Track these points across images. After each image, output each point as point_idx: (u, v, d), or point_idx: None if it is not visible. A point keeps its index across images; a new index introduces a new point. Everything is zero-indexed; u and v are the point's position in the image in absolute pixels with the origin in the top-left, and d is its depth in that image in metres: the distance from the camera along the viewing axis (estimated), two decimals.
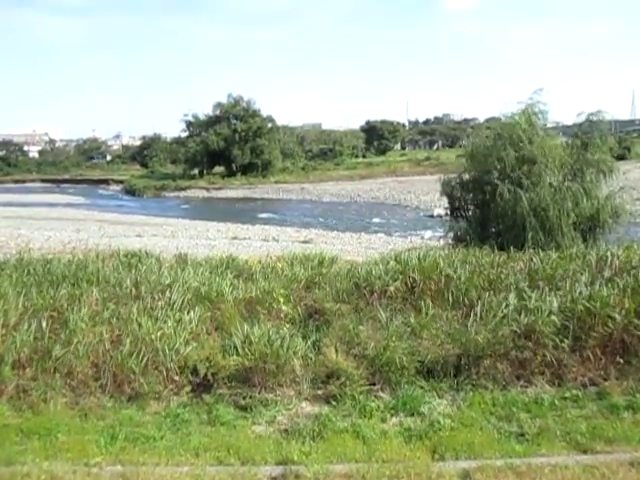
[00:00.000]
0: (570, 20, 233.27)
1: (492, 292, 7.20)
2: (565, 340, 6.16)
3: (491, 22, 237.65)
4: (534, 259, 8.48)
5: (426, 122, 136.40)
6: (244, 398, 5.77)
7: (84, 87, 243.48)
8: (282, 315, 7.10)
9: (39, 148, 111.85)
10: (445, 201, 14.32)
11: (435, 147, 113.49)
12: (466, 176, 13.61)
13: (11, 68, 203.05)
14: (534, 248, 9.93)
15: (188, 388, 5.92)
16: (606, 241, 11.89)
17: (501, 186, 12.05)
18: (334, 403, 5.73)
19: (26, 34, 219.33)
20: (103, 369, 5.84)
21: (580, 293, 6.80)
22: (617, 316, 6.28)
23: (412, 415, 5.55)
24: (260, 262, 9.66)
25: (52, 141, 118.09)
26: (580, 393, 5.82)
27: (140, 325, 6.28)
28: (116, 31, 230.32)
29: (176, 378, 5.94)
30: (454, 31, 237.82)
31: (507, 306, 6.66)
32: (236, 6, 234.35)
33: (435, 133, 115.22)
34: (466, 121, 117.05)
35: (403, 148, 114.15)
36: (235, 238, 28.11)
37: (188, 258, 10.23)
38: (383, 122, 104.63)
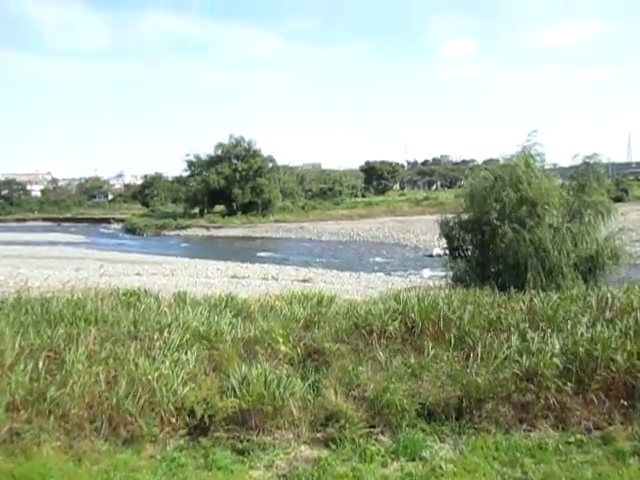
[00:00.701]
0: (565, 67, 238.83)
1: (493, 333, 7.14)
2: (568, 383, 6.08)
3: (486, 68, 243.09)
4: (535, 300, 8.44)
5: (425, 163, 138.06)
6: (241, 441, 5.64)
7: (88, 127, 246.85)
8: (281, 355, 7.01)
9: (41, 187, 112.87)
10: (444, 241, 14.35)
11: (434, 187, 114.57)
12: (465, 216, 13.67)
13: (16, 108, 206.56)
14: (535, 288, 9.90)
15: (185, 431, 5.80)
16: (606, 282, 11.87)
17: (503, 227, 12.10)
18: (333, 447, 5.60)
19: (31, 76, 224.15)
20: (98, 411, 5.73)
21: (582, 335, 6.74)
22: (619, 358, 6.21)
23: (413, 460, 5.42)
24: (259, 301, 9.60)
25: (54, 180, 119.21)
26: (584, 438, 5.71)
27: (137, 365, 6.19)
28: (119, 74, 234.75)
29: (173, 420, 5.82)
30: (451, 76, 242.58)
31: (508, 347, 6.60)
32: (236, 51, 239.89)
33: (434, 174, 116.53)
34: (464, 162, 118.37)
35: (402, 188, 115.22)
36: (234, 277, 28.05)
37: (187, 297, 10.17)
38: (382, 162, 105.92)
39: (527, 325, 7.31)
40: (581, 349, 6.41)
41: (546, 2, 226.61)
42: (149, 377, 5.99)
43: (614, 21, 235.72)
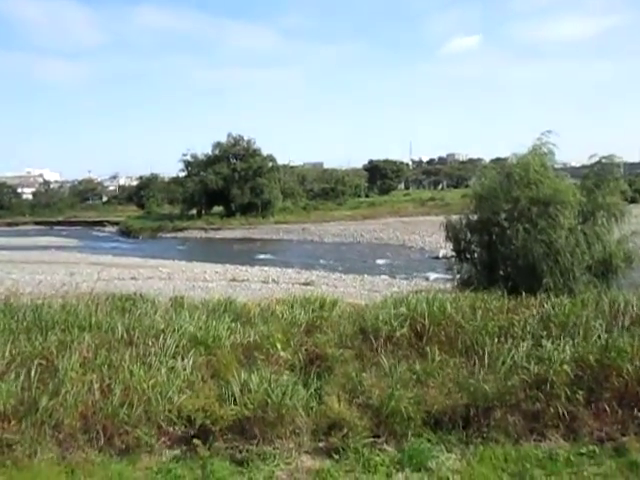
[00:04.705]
0: (574, 62, 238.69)
1: (502, 338, 7.13)
2: (579, 391, 6.06)
3: (492, 64, 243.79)
4: (545, 305, 8.42)
5: (430, 162, 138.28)
6: (241, 451, 5.64)
7: (81, 128, 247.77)
8: (282, 361, 7.01)
9: (33, 190, 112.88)
10: (451, 243, 14.33)
11: (440, 187, 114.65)
12: (472, 217, 13.66)
13: (5, 109, 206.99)
14: (546, 292, 9.89)
15: (182, 441, 5.79)
16: (619, 286, 11.85)
17: (513, 228, 12.08)
18: (336, 457, 5.60)
19: (22, 76, 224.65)
20: (92, 421, 5.73)
21: (594, 342, 6.73)
22: (633, 367, 6.19)
23: (419, 470, 5.41)
24: (259, 305, 9.59)
25: (46, 183, 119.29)
26: (597, 449, 5.69)
27: (132, 373, 6.19)
28: (114, 72, 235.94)
29: (169, 429, 5.82)
30: (455, 73, 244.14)
31: (517, 354, 6.59)
32: (235, 48, 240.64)
33: (439, 173, 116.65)
34: (471, 161, 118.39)
35: (407, 188, 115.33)
36: (233, 280, 28.06)
37: (184, 301, 10.17)
38: (386, 161, 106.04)
39: (537, 331, 7.30)
40: (594, 356, 6.39)
41: None
42: (144, 385, 5.99)
43: (626, 14, 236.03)
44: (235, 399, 5.95)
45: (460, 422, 6.01)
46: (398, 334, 7.36)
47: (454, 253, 14.30)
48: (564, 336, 7.01)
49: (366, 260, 39.39)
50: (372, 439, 5.78)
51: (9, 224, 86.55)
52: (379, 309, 8.36)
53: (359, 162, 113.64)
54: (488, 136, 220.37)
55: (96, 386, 5.98)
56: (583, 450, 5.68)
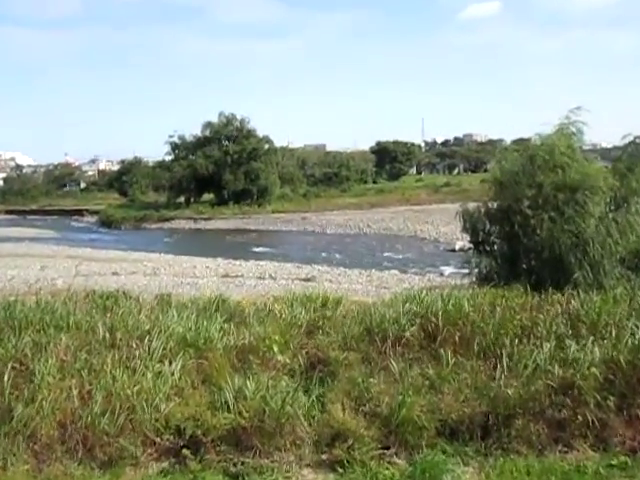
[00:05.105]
0: (602, 33, 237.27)
1: (525, 339, 7.15)
2: (610, 397, 6.07)
3: (512, 34, 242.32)
4: (573, 301, 8.43)
5: (445, 143, 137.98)
6: (235, 464, 5.66)
7: (56, 106, 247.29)
8: (280, 365, 7.03)
9: (4, 175, 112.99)
10: (468, 233, 14.33)
11: (455, 171, 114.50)
12: (492, 205, 13.65)
13: None
14: (574, 288, 9.89)
15: (170, 452, 5.83)
16: None
17: (538, 216, 12.06)
18: (341, 470, 5.62)
19: None
20: (71, 430, 5.76)
21: (627, 342, 6.74)
22: None
23: None
24: (255, 303, 9.63)
25: (19, 167, 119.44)
26: (629, 460, 5.70)
27: (115, 378, 6.22)
28: (94, 44, 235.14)
29: (156, 440, 5.86)
30: (472, 43, 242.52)
31: (540, 355, 6.60)
32: (229, 17, 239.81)
33: (455, 156, 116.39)
34: (490, 142, 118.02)
35: (419, 172, 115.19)
36: (226, 276, 28.12)
37: (172, 299, 10.20)
38: (396, 143, 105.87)
39: (564, 331, 7.32)
40: (625, 358, 6.40)
41: None
42: (129, 391, 6.02)
43: None
44: (229, 407, 5.97)
45: (478, 432, 6.03)
46: (409, 335, 7.38)
47: (471, 245, 14.30)
48: (594, 336, 7.01)
49: (373, 253, 39.44)
50: (380, 451, 5.81)
51: None
52: (388, 307, 8.38)
53: (366, 144, 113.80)
54: (509, 114, 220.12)
55: (75, 392, 6.01)
56: (614, 461, 5.69)
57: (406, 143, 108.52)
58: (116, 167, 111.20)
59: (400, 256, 37.84)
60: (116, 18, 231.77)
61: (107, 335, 7.38)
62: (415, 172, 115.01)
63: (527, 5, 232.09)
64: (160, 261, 34.66)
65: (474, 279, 13.55)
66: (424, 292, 9.24)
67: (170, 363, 6.64)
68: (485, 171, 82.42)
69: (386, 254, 38.82)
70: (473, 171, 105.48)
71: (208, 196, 77.70)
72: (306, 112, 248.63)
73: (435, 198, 72.10)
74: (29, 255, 37.42)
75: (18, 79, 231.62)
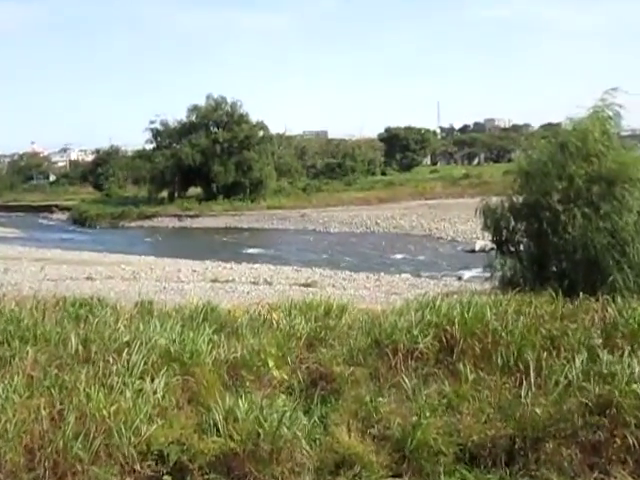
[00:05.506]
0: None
1: (555, 351, 7.15)
2: None
3: (542, 2, 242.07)
4: (609, 308, 8.43)
5: (463, 129, 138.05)
6: None
7: (22, 88, 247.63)
8: (276, 382, 7.04)
9: None
10: (489, 232, 14.35)
11: (475, 161, 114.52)
12: (517, 199, 13.65)
13: None
14: (612, 293, 9.88)
15: None
16: None
17: (570, 212, 12.04)
18: None
19: None
20: (40, 456, 5.76)
21: None
22: None
23: None
24: (248, 312, 9.64)
25: None
26: None
27: (89, 397, 6.22)
28: (64, 18, 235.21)
29: (136, 467, 5.85)
30: (496, 17, 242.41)
31: (573, 370, 6.61)
32: None
33: (475, 143, 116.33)
34: (515, 128, 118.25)
35: (434, 163, 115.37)
36: (215, 280, 28.19)
37: (154, 307, 10.21)
38: (408, 129, 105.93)
39: (600, 342, 7.31)
40: None
41: None
42: (105, 412, 6.01)
43: None
44: (218, 429, 5.97)
45: (502, 457, 6.02)
46: (423, 347, 7.39)
47: (494, 245, 14.32)
48: (634, 349, 7.01)
49: (383, 255, 39.52)
50: (392, 479, 5.81)
51: None
52: (399, 316, 8.39)
53: (373, 130, 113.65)
54: (537, 96, 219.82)
55: (44, 413, 6.01)
56: None
57: (419, 129, 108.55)
58: (90, 157, 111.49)
59: (413, 258, 37.87)
60: None
61: (80, 348, 7.38)
62: (430, 162, 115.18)
63: None
64: (140, 264, 34.72)
65: (497, 284, 13.57)
66: (440, 298, 9.25)
67: (152, 380, 6.64)
68: (509, 161, 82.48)
69: (397, 256, 38.89)
70: (495, 161, 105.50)
71: (195, 190, 77.88)
72: (305, 95, 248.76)
73: (452, 192, 72.14)
74: None
75: None
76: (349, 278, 29.10)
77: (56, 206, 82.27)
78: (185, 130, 76.67)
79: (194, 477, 5.78)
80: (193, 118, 77.32)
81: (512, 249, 13.89)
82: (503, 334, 7.55)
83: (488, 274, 14.62)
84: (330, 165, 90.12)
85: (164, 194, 76.33)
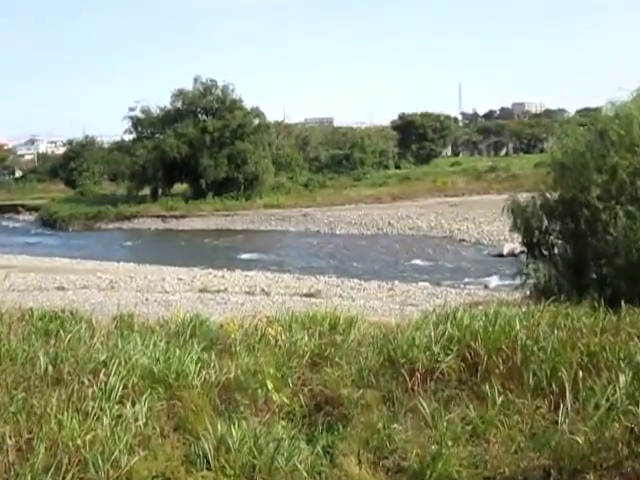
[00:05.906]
0: None
1: (594, 371, 7.14)
2: None
3: None
4: None
5: (488, 115, 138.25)
6: None
7: None
8: (275, 407, 7.05)
9: None
10: (519, 233, 14.35)
11: (503, 152, 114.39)
12: (551, 196, 13.64)
13: None
14: None
15: None
16: None
17: (611, 209, 12.02)
18: None
19: None
20: None
21: None
22: None
23: None
24: (242, 326, 9.63)
25: None
26: None
27: (61, 424, 6.23)
28: None
29: None
30: None
31: (616, 391, 6.60)
32: None
33: (502, 132, 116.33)
34: (548, 113, 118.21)
35: (455, 154, 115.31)
36: (204, 290, 28.21)
37: (134, 321, 10.21)
38: (425, 115, 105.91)
39: None
40: None
41: None
42: (79, 441, 6.02)
43: None
44: (208, 461, 5.98)
45: None
46: (444, 366, 7.38)
47: (524, 248, 14.32)
48: None
49: (397, 260, 39.50)
50: None
51: None
52: (416, 330, 8.38)
53: (385, 118, 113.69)
54: (573, 77, 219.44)
55: (11, 442, 6.02)
56: None
57: (438, 116, 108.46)
58: (61, 150, 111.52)
59: (431, 263, 37.87)
60: None
61: (50, 368, 7.39)
62: (450, 153, 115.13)
63: None
64: (119, 272, 34.77)
65: (528, 292, 13.58)
66: (462, 310, 9.24)
67: (133, 405, 6.65)
68: (541, 151, 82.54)
69: (413, 261, 38.86)
70: (526, 152, 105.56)
71: (181, 187, 77.97)
72: (307, 78, 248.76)
73: (476, 187, 72.20)
74: None
75: None
76: (358, 287, 29.10)
77: (22, 206, 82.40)
78: (169, 118, 76.62)
79: None
80: (178, 104, 77.28)
81: (545, 253, 13.90)
82: (535, 350, 7.54)
83: (518, 281, 14.62)
84: (336, 157, 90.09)
85: (146, 192, 76.33)
